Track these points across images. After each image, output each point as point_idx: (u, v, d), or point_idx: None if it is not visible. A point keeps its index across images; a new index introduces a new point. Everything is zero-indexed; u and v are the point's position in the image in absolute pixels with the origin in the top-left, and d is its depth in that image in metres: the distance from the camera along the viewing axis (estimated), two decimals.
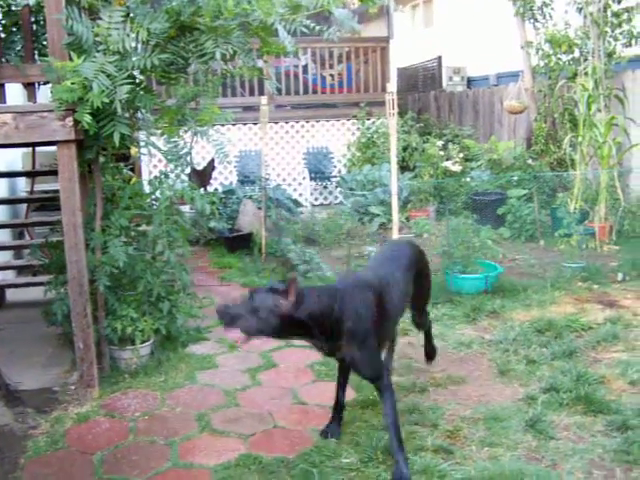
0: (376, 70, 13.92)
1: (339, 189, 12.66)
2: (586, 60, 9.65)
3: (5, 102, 4.86)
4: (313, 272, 7.57)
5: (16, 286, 7.41)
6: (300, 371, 5.25)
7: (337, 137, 13.60)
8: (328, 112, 13.77)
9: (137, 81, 4.59)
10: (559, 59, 10.63)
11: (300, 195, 12.95)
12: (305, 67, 14.09)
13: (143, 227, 5.49)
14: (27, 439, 4.24)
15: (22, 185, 9.20)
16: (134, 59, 4.32)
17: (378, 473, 3.68)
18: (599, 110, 9.26)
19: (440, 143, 11.82)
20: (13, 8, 5.85)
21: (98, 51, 4.22)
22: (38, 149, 8.08)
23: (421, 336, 5.87)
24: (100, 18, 4.27)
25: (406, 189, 10.39)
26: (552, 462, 3.77)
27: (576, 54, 10.24)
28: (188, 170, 9.99)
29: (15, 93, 5.68)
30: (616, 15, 9.69)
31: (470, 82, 16.54)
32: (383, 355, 4.25)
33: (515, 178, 10.19)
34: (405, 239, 3.85)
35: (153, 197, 5.56)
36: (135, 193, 5.29)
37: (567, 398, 4.46)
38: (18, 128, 4.34)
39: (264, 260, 8.61)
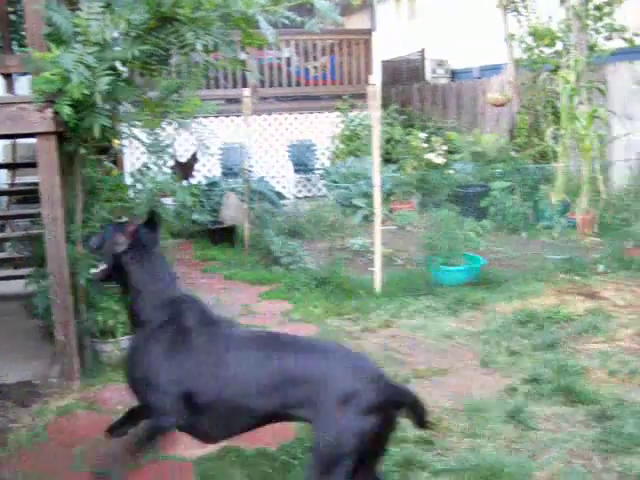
0: (359, 62, 13.90)
1: (323, 181, 12.65)
2: (568, 53, 9.69)
3: None
4: (296, 264, 7.56)
5: None
6: None
7: (321, 129, 13.58)
8: (312, 104, 13.75)
9: (118, 72, 4.56)
10: (542, 52, 10.68)
11: (284, 187, 12.90)
12: (289, 59, 14.05)
13: (124, 219, 5.46)
14: (7, 433, 4.22)
15: (3, 178, 9.13)
16: (114, 50, 4.29)
17: None
18: (581, 103, 9.29)
19: (423, 135, 11.82)
20: None
21: (78, 42, 4.18)
22: (19, 141, 8.02)
23: (404, 326, 5.92)
24: (79, 9, 4.23)
25: (389, 181, 10.39)
26: (532, 452, 3.79)
27: (558, 47, 10.29)
28: (171, 162, 10.01)
29: None
30: (598, 8, 9.74)
31: (454, 75, 16.57)
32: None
33: (498, 170, 10.22)
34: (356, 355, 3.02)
35: (135, 189, 5.54)
36: (116, 185, 5.26)
37: (548, 389, 4.50)
38: None
39: (247, 252, 8.60)
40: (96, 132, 4.28)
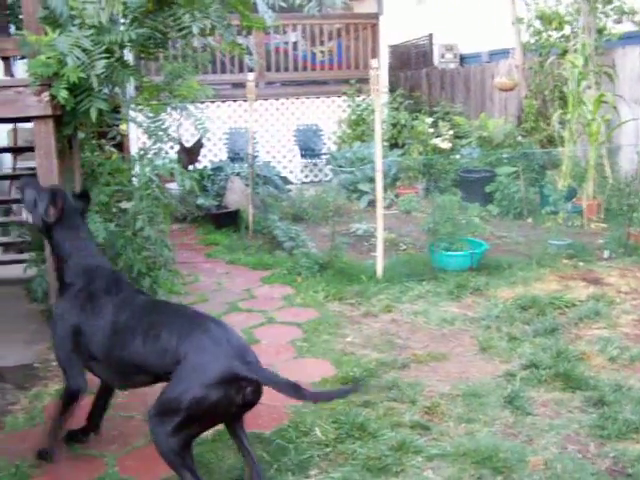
0: (367, 47, 13.80)
1: (329, 166, 12.62)
2: (576, 37, 9.59)
3: None
4: (299, 249, 7.54)
5: (2, 263, 7.38)
6: (282, 347, 5.25)
7: (327, 114, 13.52)
8: (318, 89, 13.68)
9: (116, 56, 4.54)
10: (549, 36, 10.56)
11: (290, 172, 12.89)
12: (295, 44, 13.98)
13: (124, 204, 5.46)
14: (5, 415, 4.24)
15: (8, 162, 9.14)
16: (111, 33, 4.27)
17: (353, 449, 3.68)
18: (589, 87, 9.22)
19: (430, 120, 11.75)
20: None
21: (74, 25, 4.17)
22: (21, 125, 8.01)
23: (405, 311, 5.90)
24: None
25: (395, 166, 10.35)
26: (528, 437, 3.78)
27: (566, 31, 10.19)
28: (177, 147, 10.00)
29: None
30: None
31: (463, 59, 16.44)
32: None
33: (504, 156, 10.16)
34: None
35: (136, 173, 5.54)
36: (115, 169, 5.25)
37: (546, 374, 4.48)
38: None
39: (251, 237, 8.59)
40: (93, 116, 4.27)
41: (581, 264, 6.96)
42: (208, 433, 3.68)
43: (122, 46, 4.41)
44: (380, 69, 6.83)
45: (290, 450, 3.69)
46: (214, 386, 3.01)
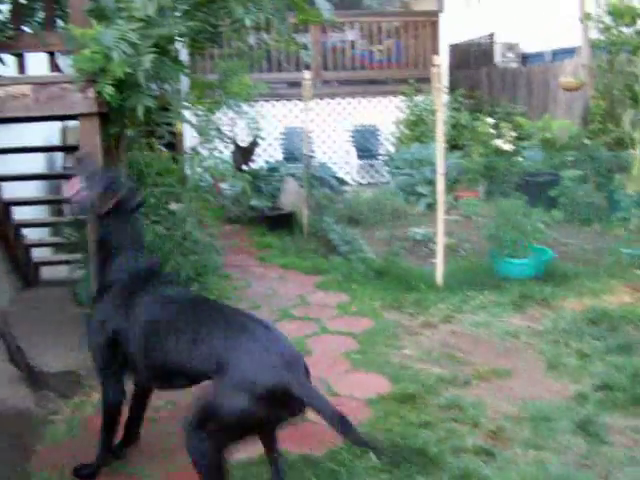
0: (426, 45, 13.47)
1: (386, 168, 12.32)
2: None
3: (25, 73, 4.66)
4: (355, 254, 7.27)
5: (51, 264, 7.27)
6: (335, 359, 4.98)
7: (385, 114, 13.22)
8: (376, 88, 13.44)
9: (165, 51, 4.33)
10: (621, 32, 10.05)
11: (347, 174, 12.64)
12: (353, 42, 13.73)
13: (173, 205, 5.26)
14: (47, 424, 4.07)
15: (60, 161, 9.06)
16: (160, 27, 4.06)
17: (410, 475, 3.39)
18: None
19: (491, 121, 11.36)
20: None
21: (121, 18, 3.96)
22: (72, 124, 7.89)
23: (466, 322, 5.59)
24: None
25: (454, 168, 9.99)
26: (605, 470, 3.43)
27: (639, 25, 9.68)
28: (231, 147, 9.83)
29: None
30: None
31: (525, 59, 15.99)
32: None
33: (569, 158, 9.73)
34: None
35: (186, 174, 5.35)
36: (165, 169, 5.05)
37: (622, 398, 4.13)
38: (38, 100, 4.11)
39: (305, 240, 8.34)
40: (140, 113, 4.06)
41: None
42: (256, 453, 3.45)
43: (171, 40, 4.20)
44: (441, 67, 6.50)
45: (342, 474, 3.43)
46: (262, 399, 2.78)
